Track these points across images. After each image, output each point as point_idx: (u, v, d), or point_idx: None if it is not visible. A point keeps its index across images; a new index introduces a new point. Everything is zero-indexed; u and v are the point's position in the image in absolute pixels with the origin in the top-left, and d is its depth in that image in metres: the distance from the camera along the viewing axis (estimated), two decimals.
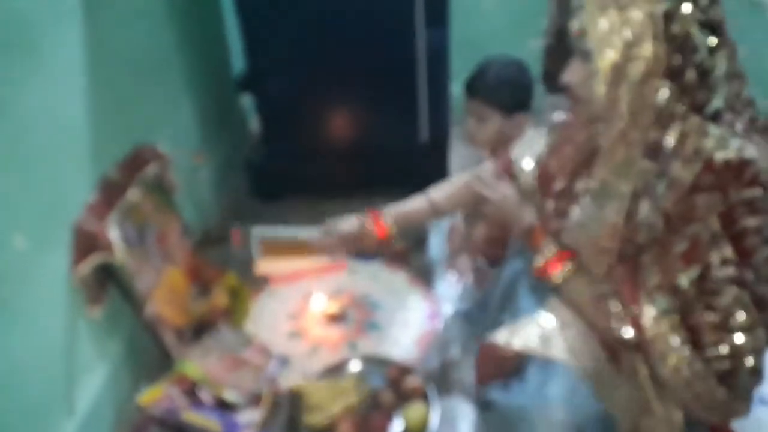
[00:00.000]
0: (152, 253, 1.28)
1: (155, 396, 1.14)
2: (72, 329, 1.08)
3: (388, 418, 1.16)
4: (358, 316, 1.45)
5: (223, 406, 1.18)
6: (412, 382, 1.20)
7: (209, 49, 1.96)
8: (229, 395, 1.19)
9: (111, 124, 1.24)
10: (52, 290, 1.04)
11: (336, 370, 1.28)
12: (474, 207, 1.22)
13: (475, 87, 1.38)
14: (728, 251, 0.73)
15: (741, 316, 0.74)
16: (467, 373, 1.22)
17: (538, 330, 0.96)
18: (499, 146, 1.41)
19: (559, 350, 0.92)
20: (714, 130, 0.74)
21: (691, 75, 0.73)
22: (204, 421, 1.12)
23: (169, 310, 1.26)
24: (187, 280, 1.38)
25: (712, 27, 0.73)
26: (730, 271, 0.74)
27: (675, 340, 0.78)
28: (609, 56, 0.73)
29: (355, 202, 1.81)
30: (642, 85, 0.73)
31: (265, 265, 1.59)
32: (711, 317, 0.75)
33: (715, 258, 0.74)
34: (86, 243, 1.10)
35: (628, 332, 0.82)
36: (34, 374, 0.99)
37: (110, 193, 1.19)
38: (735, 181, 0.72)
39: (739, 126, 0.76)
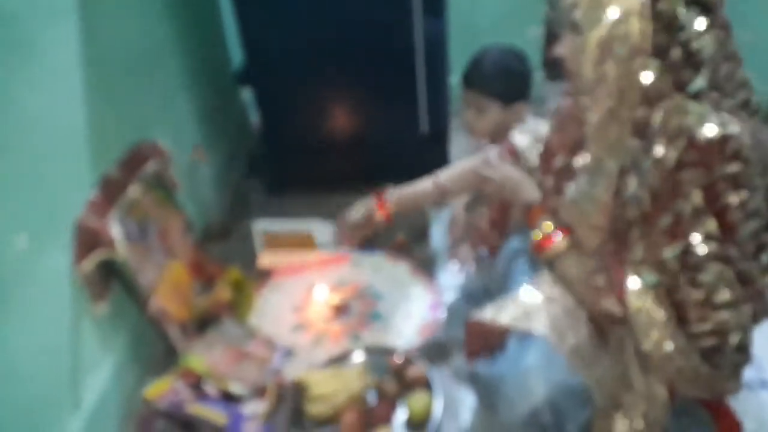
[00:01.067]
0: (154, 249, 1.29)
1: (161, 389, 1.16)
2: (77, 325, 1.09)
3: (392, 407, 1.17)
4: (361, 307, 1.46)
5: (228, 399, 1.19)
6: (415, 371, 1.21)
7: (207, 43, 1.97)
8: (234, 387, 1.20)
9: (110, 122, 1.24)
10: (55, 288, 1.05)
11: (339, 360, 1.29)
12: (479, 189, 1.24)
13: (472, 78, 1.38)
14: (712, 226, 0.73)
15: (725, 293, 0.74)
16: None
17: (522, 305, 0.98)
18: (499, 136, 1.41)
19: (540, 325, 0.94)
20: (695, 107, 0.74)
21: (676, 53, 0.73)
22: (210, 413, 1.13)
23: (172, 305, 1.27)
24: (190, 274, 1.39)
25: (703, 6, 0.73)
26: (713, 247, 0.74)
27: (659, 314, 0.78)
28: (596, 33, 0.74)
29: (356, 195, 1.81)
30: (629, 63, 0.73)
31: (267, 259, 1.60)
32: (695, 294, 0.75)
33: (698, 233, 0.74)
34: (88, 240, 1.11)
35: (614, 306, 0.83)
36: (40, 370, 1.00)
37: (111, 190, 1.20)
38: (718, 157, 0.72)
39: (726, 105, 0.76)
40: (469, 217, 1.55)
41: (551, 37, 1.12)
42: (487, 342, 0.99)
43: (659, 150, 0.75)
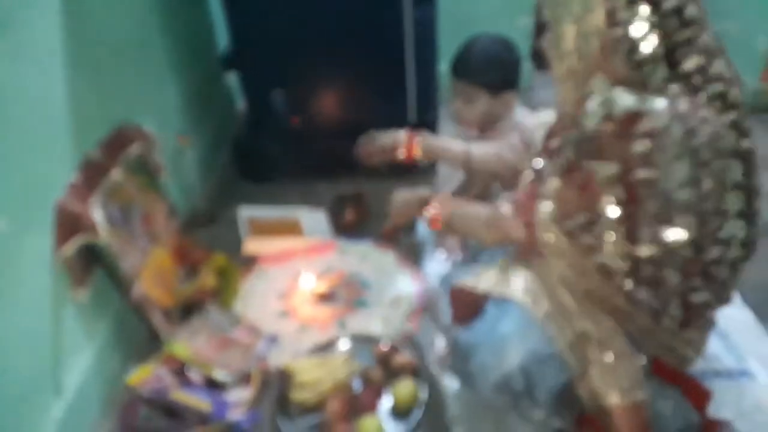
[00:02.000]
0: (137, 234, 1.27)
1: (144, 376, 1.14)
2: (58, 311, 1.07)
3: (378, 395, 1.17)
4: (347, 294, 1.45)
5: (213, 386, 1.18)
6: (401, 359, 1.21)
7: (194, 27, 1.93)
8: (219, 374, 1.19)
9: (93, 105, 1.22)
10: (36, 272, 1.03)
11: (325, 348, 1.29)
12: (500, 175, 1.31)
13: (460, 68, 1.36)
14: (620, 194, 0.80)
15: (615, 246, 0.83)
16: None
17: (500, 273, 1.03)
18: (487, 126, 1.41)
19: (517, 291, 0.98)
20: (608, 86, 0.81)
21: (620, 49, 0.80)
22: (193, 400, 1.12)
23: (156, 291, 1.25)
24: (174, 260, 1.37)
25: (654, 3, 0.78)
26: (618, 212, 0.81)
27: (562, 242, 0.88)
28: (564, 29, 0.83)
29: (342, 183, 1.81)
30: (592, 58, 0.82)
31: (253, 245, 1.59)
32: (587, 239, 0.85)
33: (607, 199, 0.81)
34: (69, 224, 1.08)
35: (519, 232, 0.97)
36: (22, 356, 0.98)
37: (93, 173, 1.17)
38: (632, 131, 0.78)
39: (683, 96, 0.80)
40: None
41: (540, 27, 1.16)
42: (470, 309, 1.03)
43: (584, 120, 0.83)
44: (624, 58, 0.80)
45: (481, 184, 1.49)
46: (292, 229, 1.63)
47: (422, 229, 1.63)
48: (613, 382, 0.88)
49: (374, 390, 1.18)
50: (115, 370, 1.22)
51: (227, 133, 2.06)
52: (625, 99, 0.79)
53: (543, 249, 0.91)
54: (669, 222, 0.79)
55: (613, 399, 0.88)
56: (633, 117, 0.78)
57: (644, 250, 0.81)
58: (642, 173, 0.78)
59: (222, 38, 1.95)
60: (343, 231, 1.64)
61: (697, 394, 1.00)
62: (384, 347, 1.24)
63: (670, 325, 0.87)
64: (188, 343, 1.24)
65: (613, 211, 0.81)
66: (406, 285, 1.46)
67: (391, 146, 1.39)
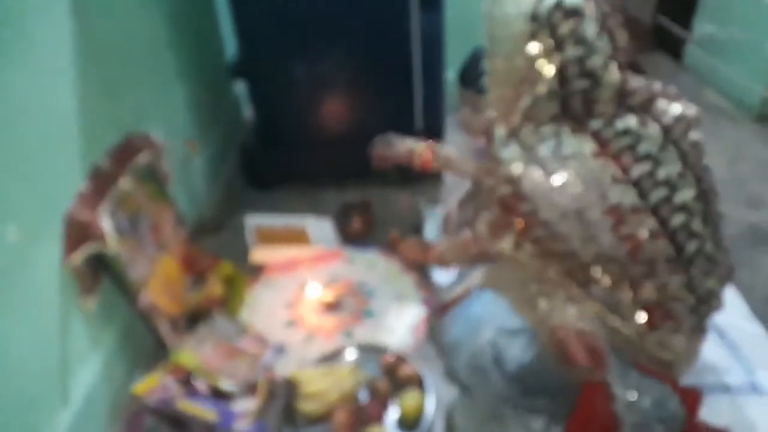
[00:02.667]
0: (146, 243, 1.27)
1: (150, 385, 1.14)
2: (66, 319, 1.07)
3: (384, 405, 1.17)
4: (354, 304, 1.45)
5: (219, 395, 1.18)
6: (408, 370, 1.20)
7: (202, 36, 1.94)
8: (225, 384, 1.19)
9: (102, 113, 1.22)
10: (45, 281, 1.03)
11: (332, 358, 1.28)
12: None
13: (468, 78, 1.37)
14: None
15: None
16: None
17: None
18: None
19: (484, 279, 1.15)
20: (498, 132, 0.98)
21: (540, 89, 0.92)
22: (199, 410, 1.12)
23: (163, 300, 1.25)
24: (182, 269, 1.37)
25: (563, 54, 0.89)
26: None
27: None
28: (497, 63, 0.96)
29: (348, 191, 1.81)
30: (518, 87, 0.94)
31: (260, 254, 1.59)
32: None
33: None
34: (78, 233, 1.09)
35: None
36: (29, 364, 0.99)
37: (101, 182, 1.18)
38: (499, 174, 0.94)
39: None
40: (462, 214, 1.55)
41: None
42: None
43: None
44: (548, 99, 0.91)
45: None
46: (298, 237, 1.63)
47: (429, 235, 1.63)
48: (557, 312, 0.98)
49: (381, 401, 1.17)
50: (121, 378, 1.22)
51: (234, 142, 2.06)
52: (497, 146, 0.96)
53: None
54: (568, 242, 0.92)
55: (558, 321, 0.96)
56: (498, 161, 0.94)
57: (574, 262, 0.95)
58: (521, 208, 0.93)
59: (230, 47, 1.96)
60: (349, 239, 1.64)
61: (688, 397, 1.00)
62: (390, 358, 1.24)
63: (636, 327, 0.96)
64: (195, 351, 1.24)
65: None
66: (412, 294, 1.46)
67: (406, 153, 1.41)
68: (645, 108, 0.92)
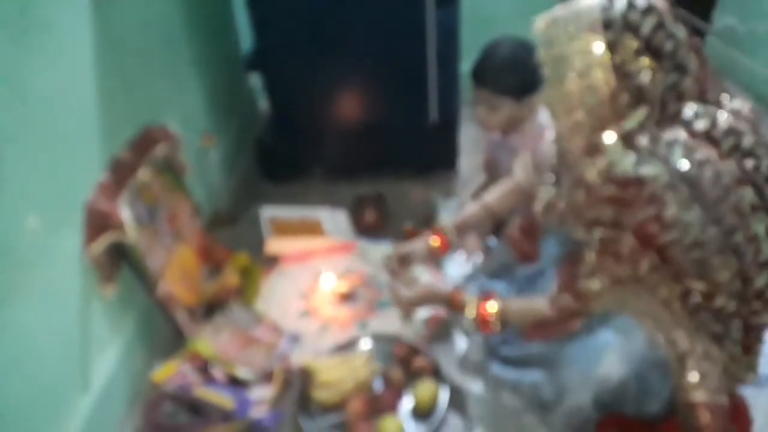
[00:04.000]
0: (163, 233, 1.29)
1: (168, 373, 1.16)
2: (86, 307, 1.09)
3: (398, 395, 1.17)
4: (368, 295, 1.46)
5: (235, 383, 1.19)
6: (422, 360, 1.21)
7: (218, 29, 1.95)
8: (241, 372, 1.20)
9: (121, 105, 1.24)
10: (65, 269, 1.05)
11: (346, 348, 1.29)
12: (523, 205, 1.26)
13: (482, 77, 1.35)
14: (654, 258, 0.84)
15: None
16: (476, 348, 1.23)
17: None
18: (511, 129, 1.40)
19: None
20: (615, 147, 0.83)
21: (624, 97, 0.82)
22: (217, 397, 1.14)
23: (180, 289, 1.27)
24: (199, 259, 1.39)
25: (654, 53, 0.81)
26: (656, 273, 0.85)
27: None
28: (565, 86, 0.85)
29: (364, 184, 1.81)
30: (597, 109, 0.84)
31: (275, 245, 1.60)
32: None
33: (643, 268, 0.85)
34: (98, 222, 1.11)
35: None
36: (50, 352, 1.01)
37: (121, 172, 1.19)
38: (634, 197, 0.81)
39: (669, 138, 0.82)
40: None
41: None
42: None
43: (585, 174, 0.87)
44: (631, 106, 0.82)
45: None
46: (313, 229, 1.64)
47: None
48: (701, 381, 0.88)
49: (395, 390, 1.18)
50: (140, 366, 1.24)
51: (250, 134, 2.08)
52: (625, 163, 0.82)
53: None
54: (709, 267, 0.82)
55: (701, 396, 0.87)
56: (633, 182, 0.81)
57: (697, 285, 0.84)
58: (663, 237, 0.81)
59: (246, 40, 1.97)
60: (363, 231, 1.65)
61: (739, 415, 0.99)
62: (404, 348, 1.24)
63: (733, 350, 0.89)
64: (211, 340, 1.25)
65: (651, 273, 0.85)
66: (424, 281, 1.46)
67: (422, 254, 1.31)
68: (719, 102, 0.87)
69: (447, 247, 1.30)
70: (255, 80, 2.11)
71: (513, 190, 1.26)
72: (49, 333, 1.00)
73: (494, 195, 1.29)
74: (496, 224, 1.42)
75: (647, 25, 0.80)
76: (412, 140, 1.82)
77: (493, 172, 1.57)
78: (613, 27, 0.80)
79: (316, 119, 1.82)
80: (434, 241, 1.29)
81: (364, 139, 1.85)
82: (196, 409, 1.13)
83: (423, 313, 1.36)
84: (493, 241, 1.48)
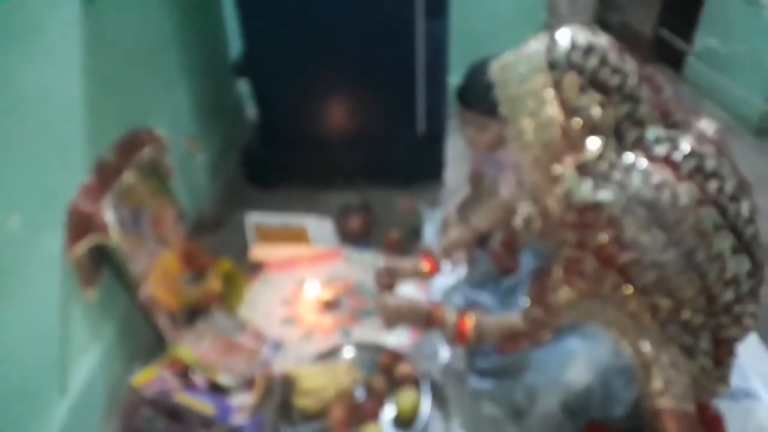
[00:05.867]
0: (147, 237, 1.28)
1: (148, 377, 1.15)
2: (66, 310, 1.08)
3: (380, 404, 1.17)
4: (352, 303, 1.46)
5: (216, 389, 1.18)
6: (404, 369, 1.21)
7: (207, 34, 1.96)
8: (222, 378, 1.19)
9: (107, 107, 1.23)
10: (46, 271, 1.04)
11: (329, 355, 1.29)
12: (507, 222, 1.28)
13: (468, 100, 1.35)
14: (615, 278, 0.86)
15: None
16: (457, 358, 1.24)
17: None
18: (500, 147, 1.42)
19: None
20: (571, 176, 0.86)
21: (575, 127, 0.85)
22: (197, 403, 1.12)
23: (162, 294, 1.26)
24: (182, 264, 1.38)
25: (600, 88, 0.85)
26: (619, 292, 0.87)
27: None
28: (522, 124, 0.89)
29: (350, 192, 1.82)
30: (550, 145, 0.87)
31: (259, 252, 1.60)
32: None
33: (607, 286, 0.87)
34: (81, 224, 1.10)
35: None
36: (28, 354, 0.99)
37: (106, 175, 1.19)
38: (592, 222, 0.84)
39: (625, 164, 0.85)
40: (460, 217, 1.56)
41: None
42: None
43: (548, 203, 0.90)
44: (584, 139, 0.85)
45: (486, 199, 1.50)
46: (298, 236, 1.64)
47: (428, 239, 1.64)
48: (666, 388, 0.89)
49: (377, 399, 1.18)
50: (120, 370, 1.22)
51: (236, 140, 2.07)
52: (582, 190, 0.85)
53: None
54: (671, 285, 0.84)
55: (666, 402, 0.89)
56: (591, 207, 0.84)
57: (662, 301, 0.86)
58: (622, 258, 0.84)
59: (235, 46, 1.98)
60: (349, 239, 1.65)
61: (713, 424, 1.01)
62: (387, 356, 1.24)
63: (704, 362, 0.91)
64: (193, 346, 1.24)
65: (615, 291, 0.87)
66: (410, 295, 1.46)
67: (409, 274, 1.35)
68: (686, 125, 0.90)
69: (435, 271, 1.35)
70: (243, 86, 2.12)
71: (497, 208, 1.32)
72: (27, 335, 0.99)
73: (481, 217, 1.35)
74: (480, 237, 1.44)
75: (590, 63, 0.84)
76: (399, 150, 1.83)
77: (478, 184, 1.58)
78: (557, 67, 0.85)
79: (303, 127, 1.83)
80: (424, 266, 1.34)
81: (351, 148, 1.86)
82: (176, 414, 1.12)
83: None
84: (477, 252, 1.49)
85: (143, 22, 1.46)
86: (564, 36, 0.86)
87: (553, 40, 0.86)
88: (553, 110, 0.85)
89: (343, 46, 1.67)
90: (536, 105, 0.87)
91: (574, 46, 0.85)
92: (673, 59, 2.68)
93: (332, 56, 1.69)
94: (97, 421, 1.15)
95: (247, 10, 1.65)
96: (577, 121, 0.85)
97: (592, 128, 0.85)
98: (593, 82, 0.84)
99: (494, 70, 0.93)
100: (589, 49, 0.85)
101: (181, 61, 1.69)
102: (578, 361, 0.96)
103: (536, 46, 0.88)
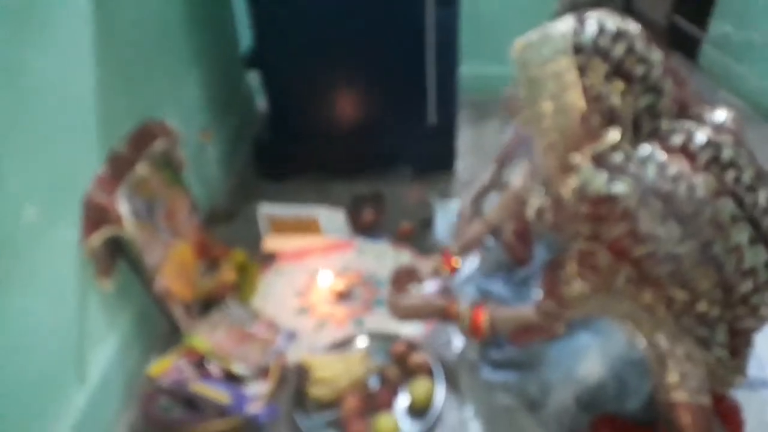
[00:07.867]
0: (161, 228, 1.29)
1: (164, 367, 1.16)
2: (83, 301, 1.09)
3: (394, 393, 1.18)
4: (365, 293, 1.46)
5: (231, 379, 1.19)
6: (418, 358, 1.21)
7: (217, 26, 1.96)
8: (237, 368, 1.20)
9: (119, 99, 1.24)
10: (63, 262, 1.05)
11: (343, 345, 1.30)
12: (518, 210, 1.27)
13: None
14: (630, 271, 0.84)
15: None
16: (471, 348, 1.24)
17: None
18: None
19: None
20: (586, 167, 0.84)
21: (596, 118, 0.83)
22: (212, 392, 1.13)
23: (177, 285, 1.27)
24: (196, 255, 1.39)
25: (625, 77, 0.82)
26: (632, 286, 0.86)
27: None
28: (541, 107, 0.86)
29: (362, 183, 1.82)
30: (569, 130, 0.85)
31: (272, 243, 1.60)
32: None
33: (621, 279, 0.85)
34: (96, 216, 1.10)
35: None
36: (47, 344, 1.00)
37: (119, 166, 1.19)
38: (607, 214, 0.82)
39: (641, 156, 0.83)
40: (474, 209, 1.55)
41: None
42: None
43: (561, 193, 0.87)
44: (603, 127, 0.83)
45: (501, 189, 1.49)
46: (310, 227, 1.64)
47: (439, 229, 1.64)
48: (681, 381, 0.89)
49: (391, 388, 1.18)
50: (136, 360, 1.23)
51: (248, 131, 2.08)
52: (597, 182, 0.82)
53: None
54: (687, 278, 0.83)
55: (681, 396, 0.88)
56: (605, 199, 0.81)
57: (677, 294, 0.85)
58: (637, 251, 0.82)
59: (245, 37, 1.98)
60: (360, 230, 1.65)
61: (729, 413, 1.00)
62: (401, 346, 1.25)
63: (720, 353, 0.89)
64: (208, 336, 1.25)
65: (628, 284, 0.86)
66: (423, 285, 1.46)
67: (430, 274, 1.34)
68: (701, 116, 0.88)
69: (455, 272, 1.35)
70: (253, 78, 2.11)
71: (510, 201, 1.31)
72: (45, 325, 1.00)
73: (496, 212, 1.35)
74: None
75: (617, 50, 0.82)
76: (410, 141, 1.82)
77: (502, 167, 1.56)
78: (583, 51, 0.82)
79: (314, 118, 1.82)
80: (443, 268, 1.33)
81: (361, 138, 1.85)
82: (192, 403, 1.13)
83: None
84: (490, 241, 1.49)
85: (153, 14, 1.46)
86: (592, 20, 0.83)
87: (580, 23, 0.83)
88: (574, 95, 0.83)
89: (352, 37, 1.66)
90: (557, 88, 0.84)
91: (602, 30, 0.82)
92: (687, 47, 2.64)
93: (342, 47, 1.68)
94: (114, 409, 1.17)
95: (256, 2, 1.64)
96: (598, 109, 0.82)
97: (611, 118, 0.83)
98: (618, 70, 0.82)
99: (515, 50, 0.89)
100: (617, 36, 0.82)
101: (191, 53, 1.69)
102: (591, 356, 0.97)
103: (562, 27, 0.84)
